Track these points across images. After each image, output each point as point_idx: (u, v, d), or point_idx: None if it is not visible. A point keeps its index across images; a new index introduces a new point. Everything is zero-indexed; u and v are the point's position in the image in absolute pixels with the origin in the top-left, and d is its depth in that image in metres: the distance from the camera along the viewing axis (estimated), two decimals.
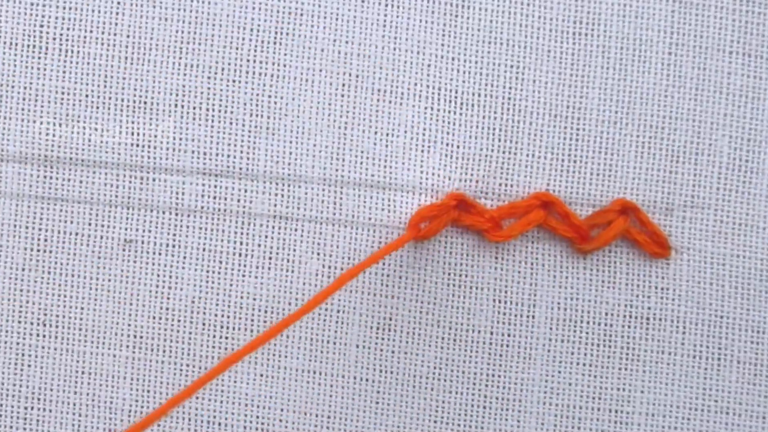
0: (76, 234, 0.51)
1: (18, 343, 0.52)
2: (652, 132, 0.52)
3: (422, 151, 0.52)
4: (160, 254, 0.51)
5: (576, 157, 0.52)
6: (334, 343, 0.52)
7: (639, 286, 0.52)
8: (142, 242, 0.51)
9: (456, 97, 0.52)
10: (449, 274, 0.52)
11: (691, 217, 0.52)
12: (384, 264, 0.52)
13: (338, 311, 0.52)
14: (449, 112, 0.52)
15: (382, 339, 0.52)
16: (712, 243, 0.52)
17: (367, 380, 0.52)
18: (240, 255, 0.51)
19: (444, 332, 0.52)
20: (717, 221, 0.52)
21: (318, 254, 0.51)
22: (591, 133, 0.52)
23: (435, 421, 0.52)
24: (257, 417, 0.52)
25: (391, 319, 0.52)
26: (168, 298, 0.51)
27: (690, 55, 0.52)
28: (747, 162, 0.52)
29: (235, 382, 0.52)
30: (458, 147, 0.52)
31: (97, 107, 0.51)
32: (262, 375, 0.52)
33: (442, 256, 0.52)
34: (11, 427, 0.52)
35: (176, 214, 0.51)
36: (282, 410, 0.52)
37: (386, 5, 0.51)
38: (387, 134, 0.51)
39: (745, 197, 0.52)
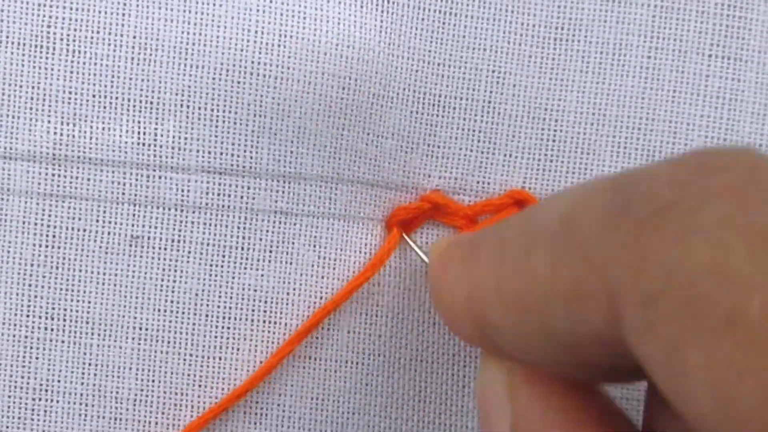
0: (84, 230, 0.52)
1: (26, 337, 0.52)
2: (629, 132, 0.55)
3: (406, 152, 0.54)
4: (165, 249, 0.52)
5: (552, 156, 0.55)
6: (327, 330, 0.54)
7: None
8: (149, 238, 0.52)
9: (439, 101, 0.54)
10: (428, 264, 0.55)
11: None
12: (368, 255, 0.54)
13: (332, 299, 0.54)
14: (432, 115, 0.54)
15: (369, 325, 0.54)
16: None
17: (356, 364, 0.54)
18: (242, 249, 0.53)
19: (425, 317, 0.55)
20: None
21: (314, 247, 0.53)
22: (568, 134, 0.55)
23: (419, 401, 0.55)
24: (256, 402, 0.54)
25: (377, 307, 0.54)
26: (173, 291, 0.53)
27: (669, 59, 0.55)
28: None
29: (236, 369, 0.53)
30: (438, 147, 0.54)
31: (104, 107, 0.52)
32: (261, 362, 0.53)
33: (421, 247, 0.54)
34: (19, 417, 0.52)
35: (181, 211, 0.52)
36: (279, 395, 0.54)
37: (382, 12, 0.53)
38: (377, 136, 0.53)
39: None
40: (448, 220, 0.54)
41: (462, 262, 0.43)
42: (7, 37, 0.51)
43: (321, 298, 0.54)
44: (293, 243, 0.53)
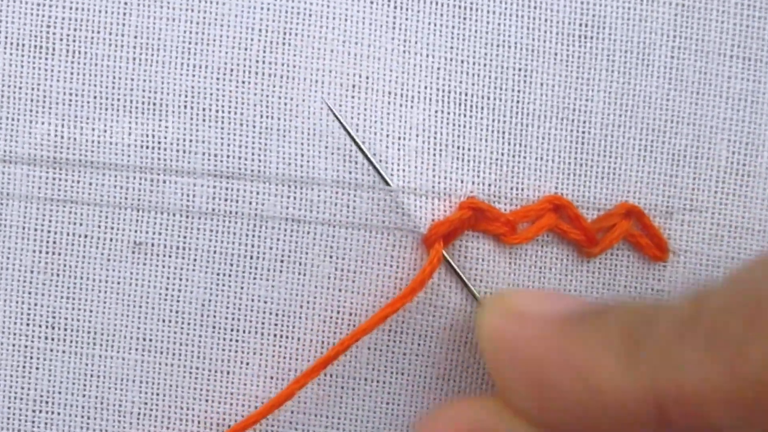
0: (85, 236, 0.51)
1: (26, 346, 0.51)
2: (654, 135, 0.52)
3: (434, 154, 0.51)
4: (170, 257, 0.51)
5: (582, 160, 0.52)
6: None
7: (636, 288, 0.53)
8: (152, 245, 0.51)
9: (465, 100, 0.52)
10: (462, 278, 0.52)
11: (689, 221, 0.53)
12: (396, 268, 0.51)
13: (350, 314, 0.51)
14: (459, 114, 0.52)
15: (394, 341, 0.52)
16: (708, 246, 0.53)
17: (378, 382, 0.52)
18: (251, 258, 0.51)
19: (455, 336, 0.52)
20: (714, 224, 0.53)
21: (330, 257, 0.51)
22: (596, 136, 0.52)
23: None
24: (268, 419, 0.51)
25: (403, 323, 0.52)
26: (178, 301, 0.51)
27: (692, 59, 0.52)
28: (744, 165, 0.53)
29: (245, 384, 0.51)
30: (469, 150, 0.52)
31: (106, 108, 0.50)
32: (272, 378, 0.51)
33: (455, 260, 0.52)
34: (19, 430, 0.51)
35: (186, 217, 0.51)
36: (293, 412, 0.52)
37: (395, 7, 0.51)
38: (398, 137, 0.51)
39: (741, 200, 0.53)
40: (488, 228, 0.52)
41: (624, 352, 0.42)
42: (6, 37, 0.50)
43: (338, 312, 0.51)
44: (307, 253, 0.51)
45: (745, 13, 0.53)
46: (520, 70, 0.52)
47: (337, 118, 0.50)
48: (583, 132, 0.52)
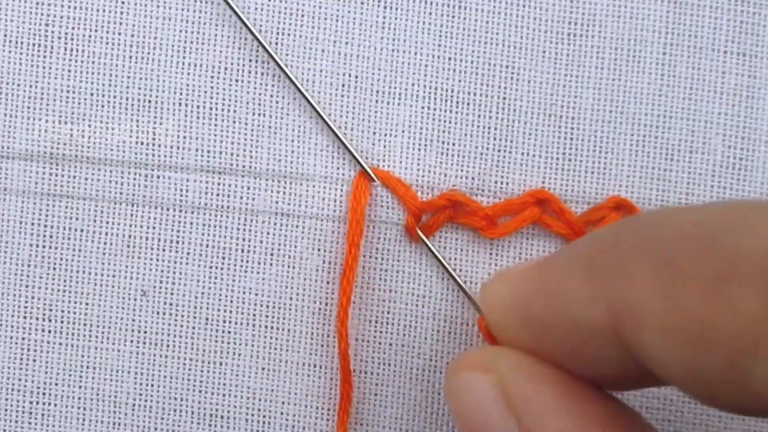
0: (81, 230, 0.54)
1: (23, 338, 0.54)
2: (647, 130, 0.55)
3: (419, 149, 0.54)
4: (164, 250, 0.54)
5: (571, 155, 0.55)
6: (334, 337, 0.55)
7: None
8: (146, 238, 0.54)
9: (452, 97, 0.55)
10: (444, 269, 0.55)
11: None
12: (382, 260, 0.55)
13: (338, 305, 0.54)
14: (445, 111, 0.55)
15: (380, 333, 0.55)
16: None
17: (365, 373, 0.55)
18: (242, 251, 0.54)
19: (439, 326, 0.55)
20: None
21: (318, 250, 0.54)
22: (586, 132, 0.55)
23: (431, 413, 0.55)
24: (259, 410, 0.55)
25: (388, 314, 0.55)
26: (172, 294, 0.54)
27: (684, 55, 0.55)
28: (740, 160, 0.55)
29: (237, 375, 0.54)
30: (454, 145, 0.55)
31: (102, 105, 0.54)
32: (263, 368, 0.54)
33: (438, 251, 0.55)
34: (16, 421, 0.55)
35: (180, 211, 0.54)
36: (283, 403, 0.55)
37: (385, 7, 0.54)
38: (385, 134, 0.54)
39: (738, 195, 0.55)
40: (467, 221, 0.55)
41: (587, 276, 0.43)
42: (5, 35, 0.54)
43: (326, 303, 0.54)
44: (296, 246, 0.54)
45: (738, 9, 0.55)
46: (507, 67, 0.55)
47: (326, 121, 0.54)
48: (572, 128, 0.55)
